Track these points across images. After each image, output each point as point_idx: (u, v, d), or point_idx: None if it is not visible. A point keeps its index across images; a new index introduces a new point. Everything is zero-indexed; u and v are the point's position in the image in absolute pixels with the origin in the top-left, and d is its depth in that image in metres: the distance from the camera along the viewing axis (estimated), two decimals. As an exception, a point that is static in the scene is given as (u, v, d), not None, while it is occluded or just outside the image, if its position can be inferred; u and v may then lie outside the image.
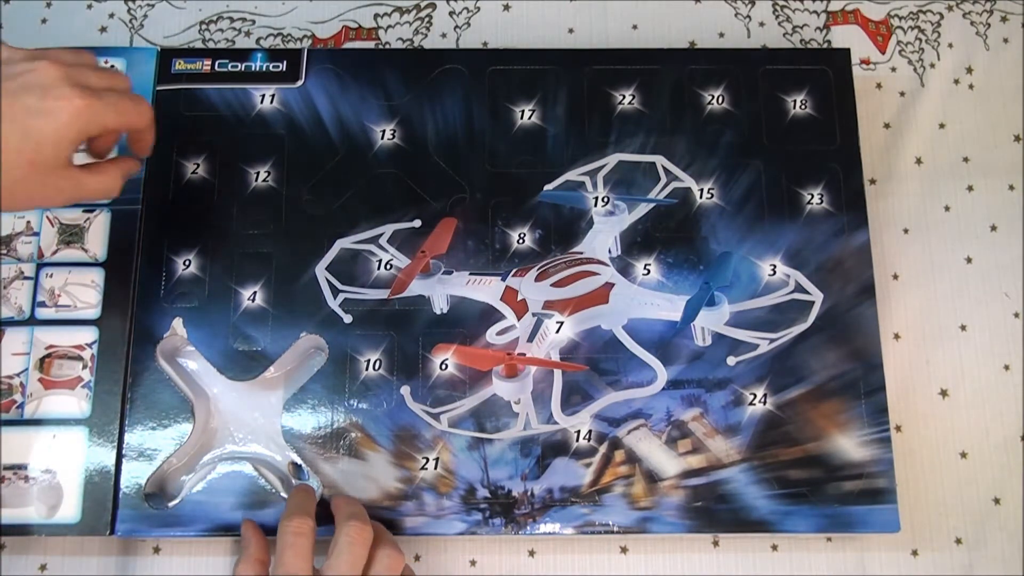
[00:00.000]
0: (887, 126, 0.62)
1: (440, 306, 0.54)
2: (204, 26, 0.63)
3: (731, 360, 0.53)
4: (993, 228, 0.60)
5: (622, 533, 0.51)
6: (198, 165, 0.56)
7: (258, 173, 0.56)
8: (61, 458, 0.51)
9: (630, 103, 0.58)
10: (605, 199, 0.56)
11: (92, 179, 0.47)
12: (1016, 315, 0.58)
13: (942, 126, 0.62)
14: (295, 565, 0.44)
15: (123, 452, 0.51)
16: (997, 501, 0.55)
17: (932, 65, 0.63)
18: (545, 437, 0.52)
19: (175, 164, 0.56)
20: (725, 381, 0.53)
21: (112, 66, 0.57)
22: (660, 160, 0.57)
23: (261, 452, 0.52)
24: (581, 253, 0.55)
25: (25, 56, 0.44)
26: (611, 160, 0.57)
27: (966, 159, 0.61)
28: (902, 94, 0.62)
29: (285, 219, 0.55)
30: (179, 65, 0.58)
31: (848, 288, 0.54)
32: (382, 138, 0.57)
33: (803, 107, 0.58)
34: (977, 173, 0.61)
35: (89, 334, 0.53)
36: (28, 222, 0.55)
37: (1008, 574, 0.54)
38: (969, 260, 0.59)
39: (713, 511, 0.51)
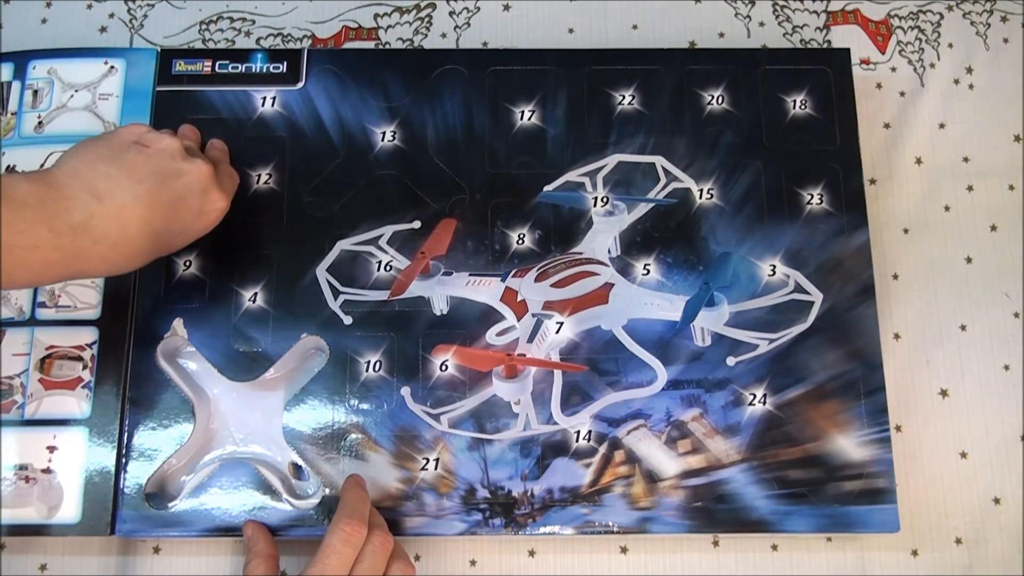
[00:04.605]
0: (887, 126, 0.62)
1: (440, 307, 0.54)
2: (204, 26, 0.63)
3: (731, 360, 0.53)
4: (993, 228, 0.60)
5: (622, 533, 0.51)
6: (198, 166, 0.56)
7: (259, 175, 0.56)
8: (61, 458, 0.51)
9: (630, 103, 0.58)
10: (605, 199, 0.56)
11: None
12: (1016, 315, 0.58)
13: (942, 126, 0.62)
14: (335, 570, 0.45)
15: (123, 452, 0.51)
16: (997, 501, 0.55)
17: (932, 65, 0.63)
18: (545, 437, 0.52)
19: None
20: (725, 381, 0.53)
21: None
22: (660, 160, 0.57)
23: (262, 453, 0.52)
24: (581, 253, 0.55)
25: (176, 153, 0.48)
26: (611, 161, 0.57)
27: (966, 159, 0.61)
28: (902, 94, 0.62)
29: (286, 221, 0.55)
30: (179, 66, 0.58)
31: (848, 288, 0.54)
32: (382, 140, 0.57)
33: (803, 107, 0.58)
34: (977, 173, 0.61)
35: (89, 334, 0.53)
36: (28, 223, 0.55)
37: (1008, 574, 0.54)
38: (969, 260, 0.59)
39: (713, 511, 0.51)
